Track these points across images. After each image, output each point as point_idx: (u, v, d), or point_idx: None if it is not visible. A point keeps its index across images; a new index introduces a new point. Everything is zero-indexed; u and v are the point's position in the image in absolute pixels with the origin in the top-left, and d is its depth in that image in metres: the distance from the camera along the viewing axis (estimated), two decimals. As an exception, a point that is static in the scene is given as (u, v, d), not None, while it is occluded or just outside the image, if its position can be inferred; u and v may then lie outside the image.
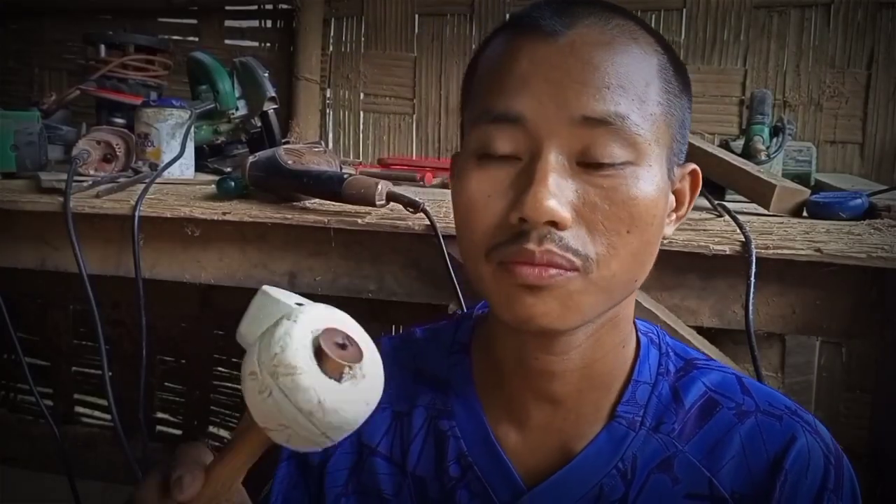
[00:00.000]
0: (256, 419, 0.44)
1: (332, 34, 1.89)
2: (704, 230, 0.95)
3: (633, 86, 0.53)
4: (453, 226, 0.98)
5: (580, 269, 0.52)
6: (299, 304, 0.51)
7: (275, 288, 0.54)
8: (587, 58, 0.53)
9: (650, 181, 0.53)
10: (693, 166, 0.61)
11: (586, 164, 0.52)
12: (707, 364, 0.64)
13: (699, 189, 0.62)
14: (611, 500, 0.58)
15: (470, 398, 0.64)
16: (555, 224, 0.51)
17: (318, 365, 0.44)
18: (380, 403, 0.66)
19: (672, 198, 0.59)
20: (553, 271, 0.52)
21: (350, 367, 0.45)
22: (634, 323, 0.64)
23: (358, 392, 0.45)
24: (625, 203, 0.52)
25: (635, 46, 0.54)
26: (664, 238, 0.59)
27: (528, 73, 0.53)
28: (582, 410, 0.61)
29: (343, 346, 0.45)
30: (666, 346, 0.64)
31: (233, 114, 1.45)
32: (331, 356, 0.44)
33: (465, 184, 0.55)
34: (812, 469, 0.58)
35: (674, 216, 0.61)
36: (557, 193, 0.51)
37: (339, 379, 0.44)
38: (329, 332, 0.45)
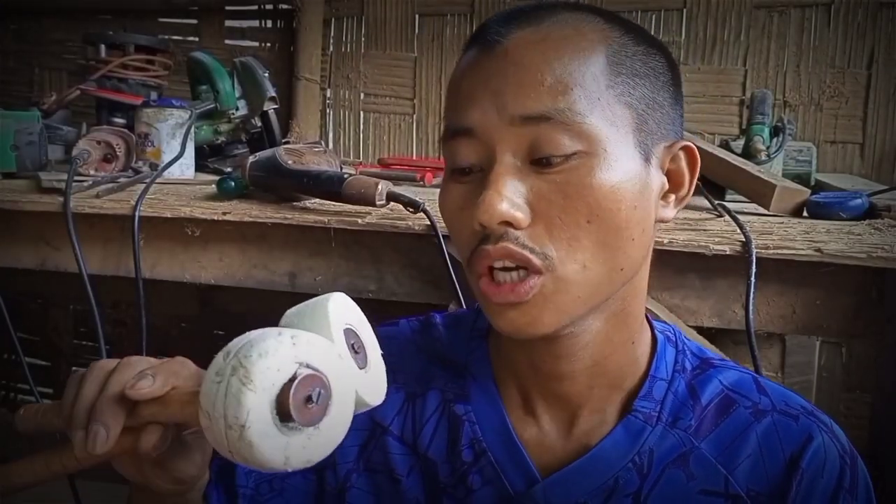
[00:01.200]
0: (200, 389, 0.42)
1: (332, 34, 1.89)
2: (704, 230, 0.95)
3: (572, 77, 0.53)
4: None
5: (542, 270, 0.53)
6: (348, 327, 0.49)
7: (345, 301, 0.51)
8: (519, 60, 0.54)
9: (608, 167, 0.53)
10: (685, 143, 0.59)
11: (537, 162, 0.54)
12: (723, 363, 0.65)
13: (698, 165, 0.60)
14: (625, 493, 0.59)
15: (488, 385, 0.65)
16: (511, 225, 0.53)
17: (274, 397, 0.41)
18: (394, 383, 0.67)
19: (663, 179, 0.58)
20: (523, 290, 0.53)
21: (297, 425, 0.42)
22: (649, 321, 0.65)
23: (285, 446, 0.42)
24: (579, 194, 0.53)
25: (575, 38, 0.55)
26: (664, 221, 0.59)
27: (472, 86, 0.56)
28: (594, 407, 0.61)
29: (308, 401, 0.42)
30: (683, 344, 0.65)
31: (233, 114, 1.45)
32: (288, 401, 0.41)
33: (443, 199, 0.59)
34: (828, 468, 0.58)
35: (672, 197, 0.60)
36: (509, 195, 0.53)
37: (280, 423, 0.41)
38: (310, 379, 0.42)
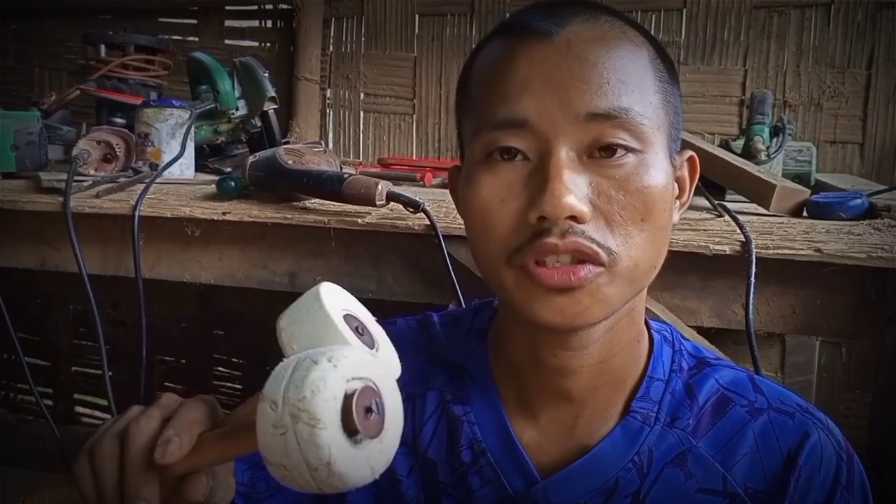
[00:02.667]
0: (260, 446, 0.42)
1: (332, 34, 1.89)
2: (704, 230, 0.95)
3: (630, 78, 0.54)
4: (453, 226, 0.99)
5: (605, 264, 0.53)
6: (346, 313, 0.49)
7: (333, 289, 0.50)
8: (584, 55, 0.54)
9: (659, 168, 0.55)
10: (690, 153, 0.62)
11: (597, 158, 0.54)
12: (719, 362, 0.65)
13: (698, 174, 0.62)
14: (625, 493, 0.59)
15: (487, 386, 0.64)
16: (574, 219, 0.52)
17: (341, 424, 0.41)
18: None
19: (675, 185, 0.60)
20: (582, 273, 0.52)
21: (370, 438, 0.42)
22: (646, 321, 0.65)
23: (368, 459, 0.42)
24: (639, 192, 0.53)
25: (626, 40, 0.56)
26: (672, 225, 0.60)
27: (528, 75, 0.54)
28: (596, 406, 0.61)
29: (369, 411, 0.42)
30: (679, 343, 0.65)
31: (233, 114, 1.45)
32: (354, 423, 0.41)
33: (477, 191, 0.56)
34: (825, 465, 0.58)
35: (677, 203, 0.61)
36: (573, 188, 0.52)
37: (354, 443, 0.42)
38: (365, 392, 0.42)
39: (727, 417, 0.60)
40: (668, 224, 0.57)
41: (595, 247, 0.52)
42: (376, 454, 0.43)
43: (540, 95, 0.53)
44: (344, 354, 0.43)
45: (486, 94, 0.56)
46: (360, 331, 0.49)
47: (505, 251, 0.55)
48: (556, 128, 0.53)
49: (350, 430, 0.41)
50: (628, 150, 0.53)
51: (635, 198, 0.53)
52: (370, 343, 0.50)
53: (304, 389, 0.40)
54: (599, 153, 0.53)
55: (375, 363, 0.46)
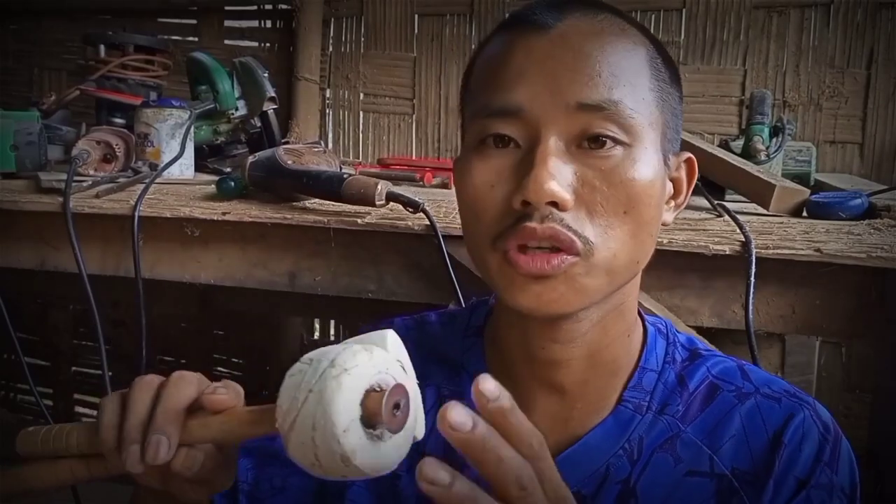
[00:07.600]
0: (282, 434, 0.43)
1: (331, 34, 1.89)
2: (704, 230, 0.95)
3: (624, 73, 0.55)
4: (453, 226, 0.99)
5: (581, 254, 0.54)
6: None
7: (397, 340, 0.49)
8: (578, 47, 0.55)
9: (646, 163, 0.55)
10: (688, 154, 0.63)
11: (584, 148, 0.54)
12: (710, 353, 0.66)
13: (695, 177, 0.63)
14: (616, 480, 0.60)
15: None
16: (556, 205, 0.53)
17: (360, 421, 0.43)
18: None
19: (670, 185, 0.61)
20: (555, 262, 0.53)
21: (392, 433, 0.44)
22: (641, 314, 0.65)
23: (391, 451, 0.44)
24: (623, 184, 0.54)
25: (624, 37, 0.57)
26: (664, 224, 0.61)
27: (524, 65, 0.55)
28: (589, 399, 0.62)
29: (396, 408, 0.44)
30: (674, 336, 0.66)
31: (232, 114, 1.45)
32: (383, 417, 0.42)
33: (468, 177, 0.57)
34: (808, 443, 0.59)
35: (672, 203, 0.62)
36: (557, 176, 0.53)
37: (377, 438, 0.44)
38: (396, 390, 0.44)
39: (715, 403, 0.62)
40: (655, 220, 0.57)
41: (571, 235, 0.53)
42: (398, 446, 0.45)
43: (533, 84, 0.54)
44: (360, 358, 0.44)
45: (484, 86, 0.58)
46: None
47: (490, 235, 0.56)
48: (547, 116, 0.54)
49: (371, 425, 0.43)
50: (616, 142, 0.54)
51: (619, 190, 0.54)
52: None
53: (325, 391, 0.42)
54: (588, 144, 0.54)
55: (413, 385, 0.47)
